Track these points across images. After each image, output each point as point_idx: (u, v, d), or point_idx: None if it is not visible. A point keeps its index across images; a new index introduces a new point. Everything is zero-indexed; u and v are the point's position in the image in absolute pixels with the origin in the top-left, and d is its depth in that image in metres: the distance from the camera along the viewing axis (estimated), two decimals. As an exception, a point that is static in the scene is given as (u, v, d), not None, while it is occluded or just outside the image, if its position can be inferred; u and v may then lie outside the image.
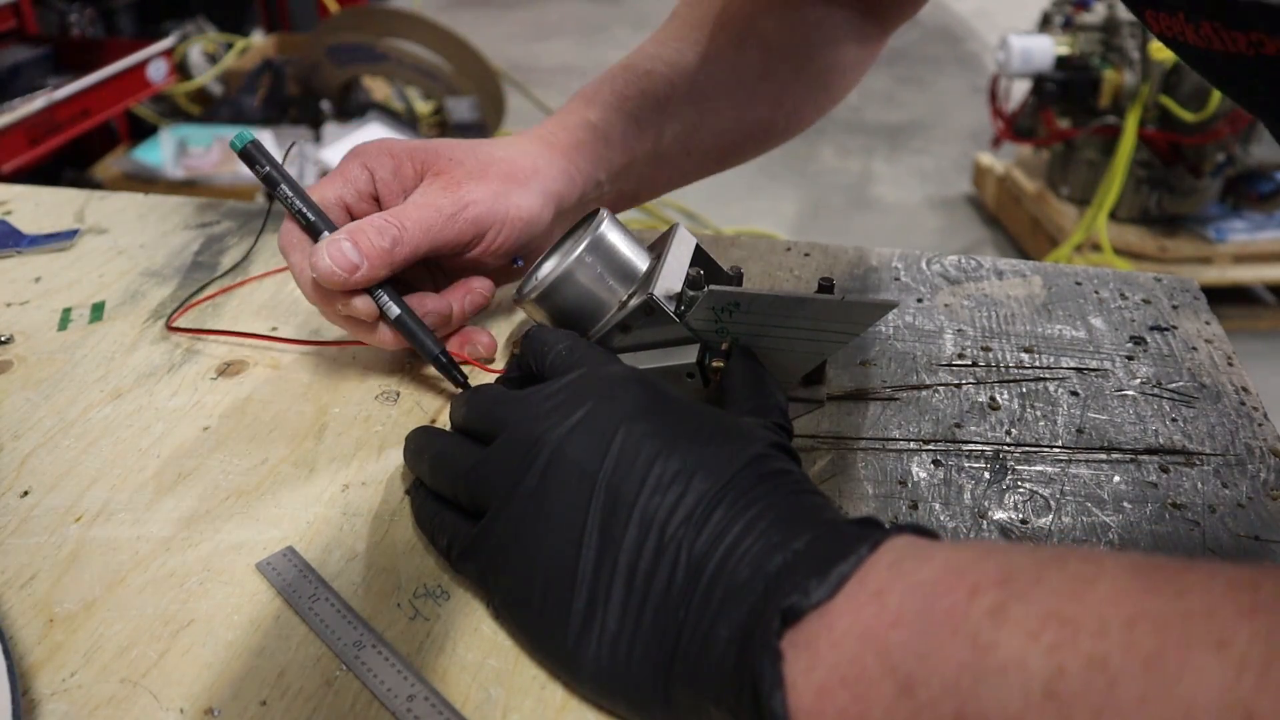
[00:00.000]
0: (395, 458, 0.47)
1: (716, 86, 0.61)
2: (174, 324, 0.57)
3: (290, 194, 0.49)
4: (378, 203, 0.52)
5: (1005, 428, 0.50)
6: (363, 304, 0.48)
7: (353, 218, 0.51)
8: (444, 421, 0.50)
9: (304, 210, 0.49)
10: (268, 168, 0.49)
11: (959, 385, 0.53)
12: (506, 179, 0.51)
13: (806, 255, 0.65)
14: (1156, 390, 0.52)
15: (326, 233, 0.48)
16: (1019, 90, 2.32)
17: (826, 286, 0.46)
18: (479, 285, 0.52)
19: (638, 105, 0.58)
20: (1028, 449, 0.48)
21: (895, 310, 0.59)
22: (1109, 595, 0.26)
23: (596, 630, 0.34)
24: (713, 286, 0.43)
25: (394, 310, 0.48)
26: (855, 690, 0.28)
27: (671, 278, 0.47)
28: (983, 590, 0.28)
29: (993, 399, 0.52)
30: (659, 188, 0.62)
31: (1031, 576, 0.27)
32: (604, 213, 0.49)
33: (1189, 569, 0.26)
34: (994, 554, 0.29)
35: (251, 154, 0.50)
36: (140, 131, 2.59)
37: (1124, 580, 0.26)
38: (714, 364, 0.45)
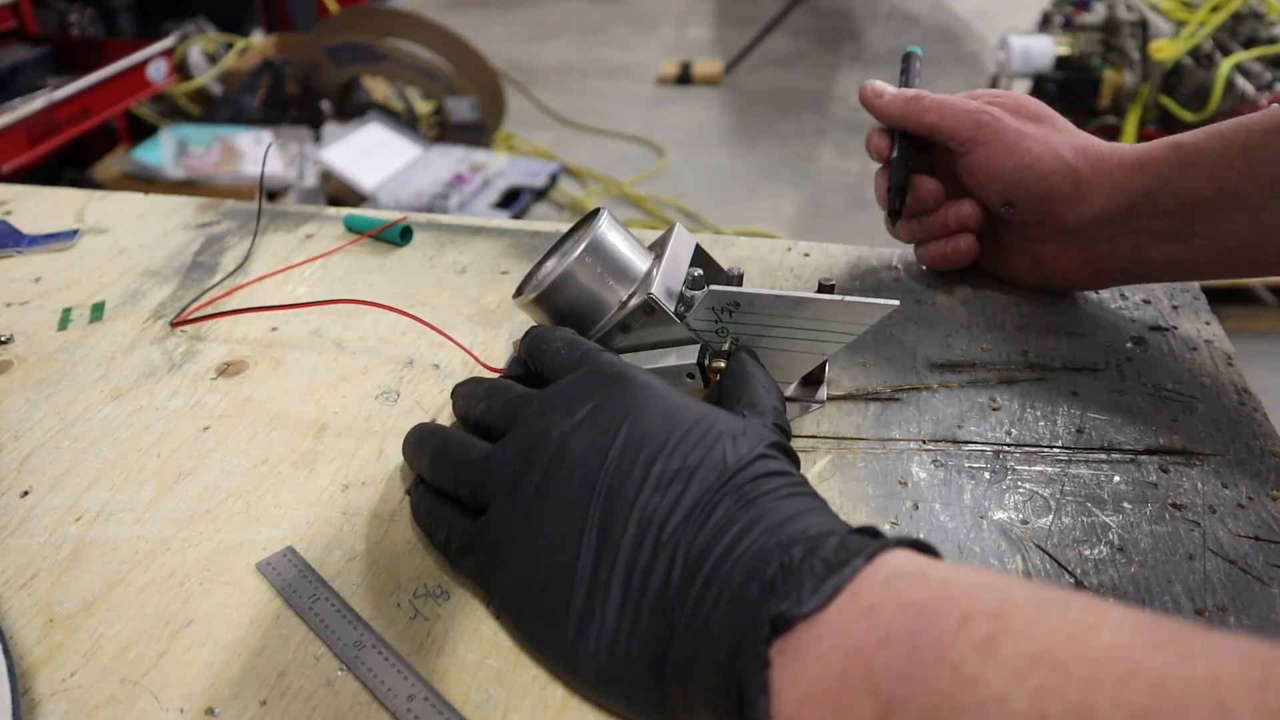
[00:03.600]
0: (395, 458, 0.47)
1: None
2: (177, 324, 0.57)
3: (917, 69, 0.64)
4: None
5: (1005, 428, 0.50)
6: (879, 139, 0.60)
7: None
8: (443, 420, 0.50)
9: (909, 84, 0.63)
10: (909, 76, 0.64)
11: (959, 385, 0.53)
12: (1048, 132, 0.56)
13: (806, 255, 0.65)
14: (1156, 390, 0.52)
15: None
16: (1019, 90, 2.32)
17: (827, 287, 0.46)
18: (967, 207, 0.59)
19: (1252, 140, 0.50)
20: (1028, 449, 0.48)
21: (895, 310, 0.59)
22: (1107, 647, 0.25)
23: (595, 627, 0.34)
24: (713, 286, 0.43)
25: (896, 155, 0.59)
26: (836, 704, 0.28)
27: (671, 278, 0.47)
28: (975, 620, 0.27)
29: (993, 399, 0.52)
30: (1263, 247, 0.51)
31: (1028, 615, 0.26)
32: (604, 212, 0.49)
33: (1199, 633, 0.25)
34: (993, 586, 0.28)
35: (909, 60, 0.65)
36: (140, 131, 2.58)
37: (1126, 634, 0.25)
38: (714, 364, 0.45)
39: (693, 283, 0.46)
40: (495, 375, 0.49)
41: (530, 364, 0.44)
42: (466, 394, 0.45)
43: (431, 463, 0.42)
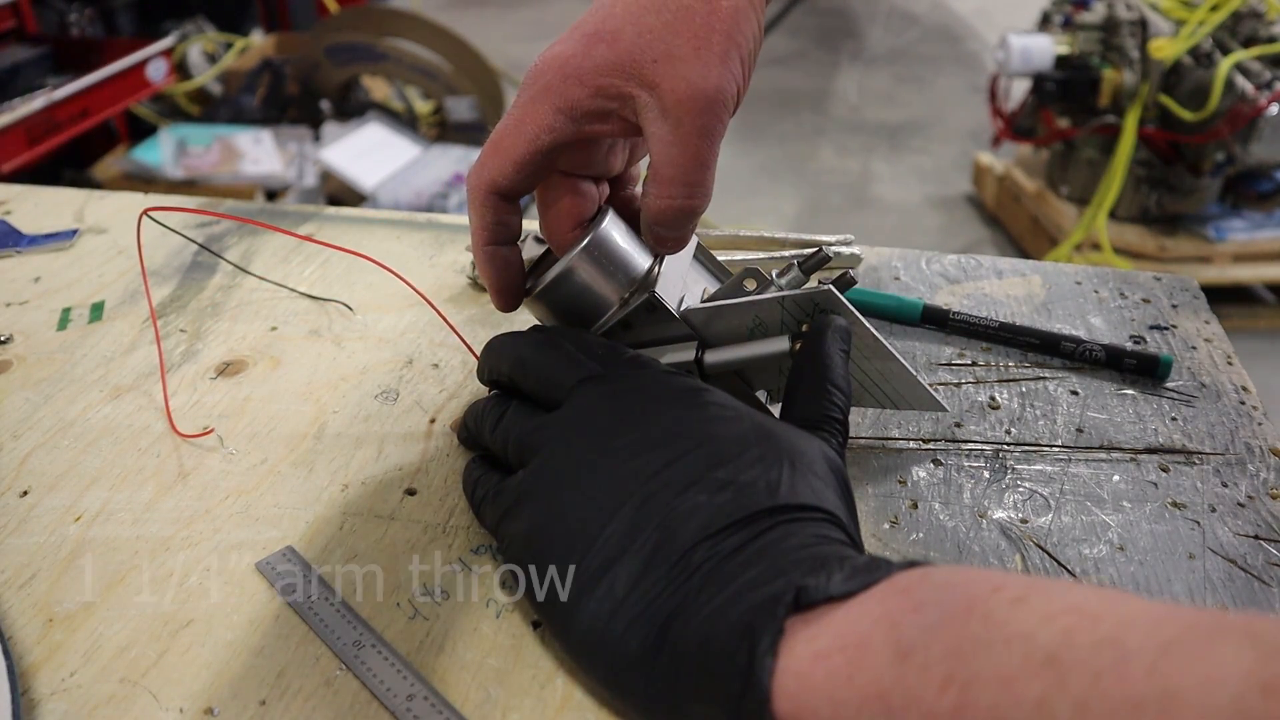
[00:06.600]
0: (395, 457, 0.47)
1: None
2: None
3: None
4: None
5: (1005, 427, 0.50)
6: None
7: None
8: (443, 420, 0.50)
9: None
10: None
11: (959, 385, 0.53)
12: None
13: (806, 255, 0.65)
14: (1156, 390, 0.52)
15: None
16: (1019, 90, 2.32)
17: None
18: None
19: None
20: (1027, 448, 0.48)
21: (901, 320, 0.59)
22: (1141, 605, 0.26)
23: (602, 590, 0.34)
24: (829, 287, 0.43)
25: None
26: (850, 655, 0.29)
27: (674, 275, 0.47)
28: (1008, 587, 0.28)
29: (993, 398, 0.52)
30: None
31: (1062, 586, 0.28)
32: (606, 209, 0.49)
33: (1229, 612, 0.26)
34: (1026, 576, 0.30)
35: None
36: (140, 131, 2.58)
37: (1159, 604, 0.26)
38: (796, 346, 0.43)
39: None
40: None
41: (527, 376, 0.44)
42: (502, 348, 0.45)
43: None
